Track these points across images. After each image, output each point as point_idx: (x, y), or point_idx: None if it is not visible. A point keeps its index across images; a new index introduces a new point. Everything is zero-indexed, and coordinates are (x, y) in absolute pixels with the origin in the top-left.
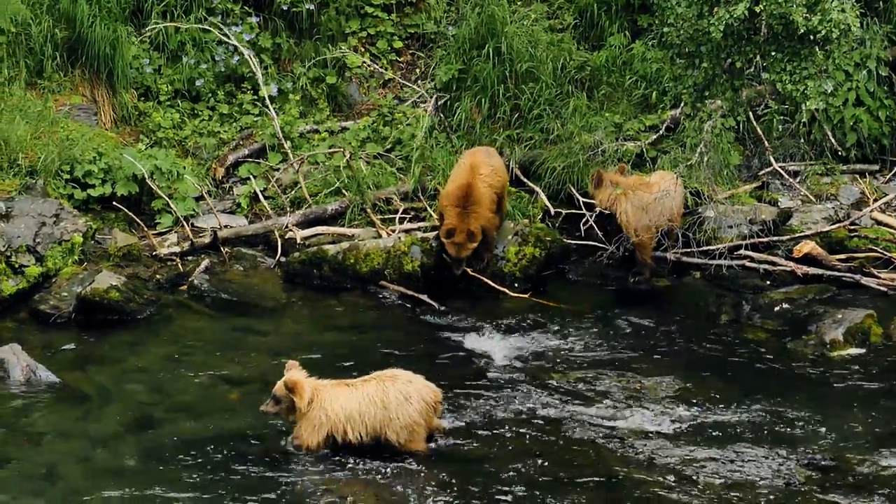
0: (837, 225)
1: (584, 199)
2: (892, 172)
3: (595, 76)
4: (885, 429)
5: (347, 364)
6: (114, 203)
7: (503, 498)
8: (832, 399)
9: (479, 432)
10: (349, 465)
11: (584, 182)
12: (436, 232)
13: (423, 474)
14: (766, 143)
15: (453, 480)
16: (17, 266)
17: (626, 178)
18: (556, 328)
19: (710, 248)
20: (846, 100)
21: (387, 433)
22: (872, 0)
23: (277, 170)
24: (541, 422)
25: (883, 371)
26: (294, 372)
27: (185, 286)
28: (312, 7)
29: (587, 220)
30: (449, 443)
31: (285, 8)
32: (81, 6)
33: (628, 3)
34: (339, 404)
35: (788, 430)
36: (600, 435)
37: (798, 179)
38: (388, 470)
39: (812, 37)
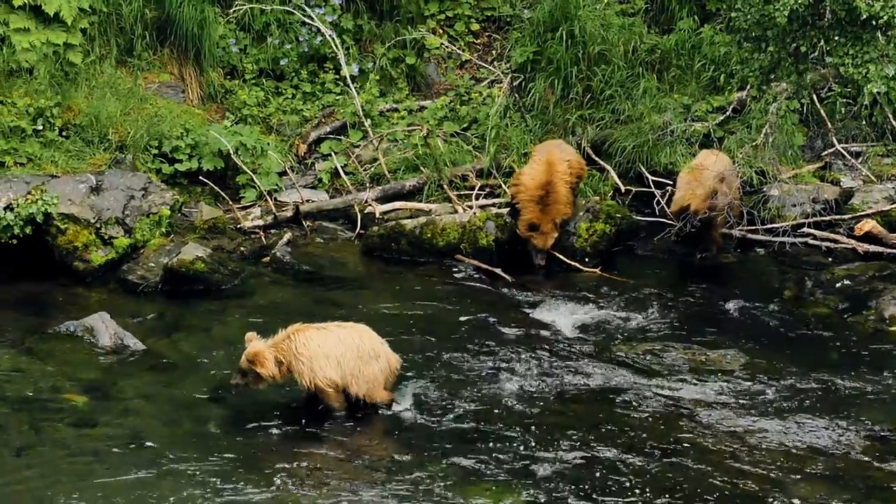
0: None
1: (654, 178)
2: None
3: (665, 59)
4: None
5: (422, 334)
6: (200, 177)
7: (571, 464)
8: (891, 372)
9: (548, 401)
10: (418, 423)
11: (654, 161)
12: (508, 207)
13: (493, 438)
14: (829, 124)
15: (522, 445)
16: (106, 237)
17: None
18: (625, 302)
19: (775, 225)
20: None
21: (351, 383)
22: None
23: (358, 147)
24: (608, 392)
25: None
26: (254, 343)
27: (268, 258)
28: None
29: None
30: (519, 409)
31: None
32: None
33: None
34: (312, 346)
35: (848, 401)
36: (666, 405)
37: (860, 160)
38: (452, 432)
39: (874, 22)
